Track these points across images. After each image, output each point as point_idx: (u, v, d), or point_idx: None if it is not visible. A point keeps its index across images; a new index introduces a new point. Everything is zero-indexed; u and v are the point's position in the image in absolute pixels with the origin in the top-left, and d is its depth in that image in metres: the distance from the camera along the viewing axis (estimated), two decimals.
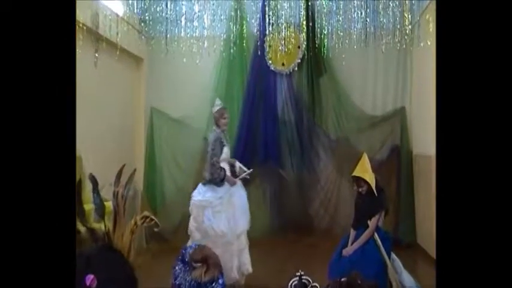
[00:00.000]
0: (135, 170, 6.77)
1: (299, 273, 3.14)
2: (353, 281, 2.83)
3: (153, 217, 3.88)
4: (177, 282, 3.65)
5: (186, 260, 3.52)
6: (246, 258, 5.11)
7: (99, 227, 3.60)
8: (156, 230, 3.88)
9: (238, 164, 5.36)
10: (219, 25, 6.83)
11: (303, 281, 3.13)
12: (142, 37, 6.70)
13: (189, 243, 4.99)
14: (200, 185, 5.16)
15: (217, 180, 5.03)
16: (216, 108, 5.22)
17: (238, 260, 5.03)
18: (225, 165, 5.16)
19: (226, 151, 5.17)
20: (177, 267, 3.65)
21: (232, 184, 5.11)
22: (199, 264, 3.34)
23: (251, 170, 5.37)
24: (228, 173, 5.19)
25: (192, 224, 5.10)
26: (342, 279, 2.91)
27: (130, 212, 6.25)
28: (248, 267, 5.09)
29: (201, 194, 5.07)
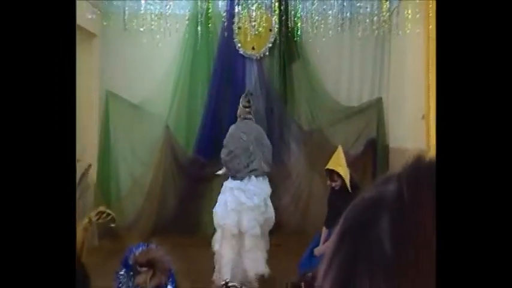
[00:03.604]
0: (90, 165, 6.37)
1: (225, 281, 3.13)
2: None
3: (109, 211, 3.56)
4: None
5: (130, 263, 3.11)
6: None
7: None
8: (112, 225, 3.66)
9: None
10: (183, 3, 6.38)
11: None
12: (98, 11, 6.14)
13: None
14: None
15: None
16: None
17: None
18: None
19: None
20: (120, 272, 3.23)
21: None
22: (144, 269, 2.93)
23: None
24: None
25: None
26: (309, 274, 2.85)
27: (83, 208, 5.83)
28: None
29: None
